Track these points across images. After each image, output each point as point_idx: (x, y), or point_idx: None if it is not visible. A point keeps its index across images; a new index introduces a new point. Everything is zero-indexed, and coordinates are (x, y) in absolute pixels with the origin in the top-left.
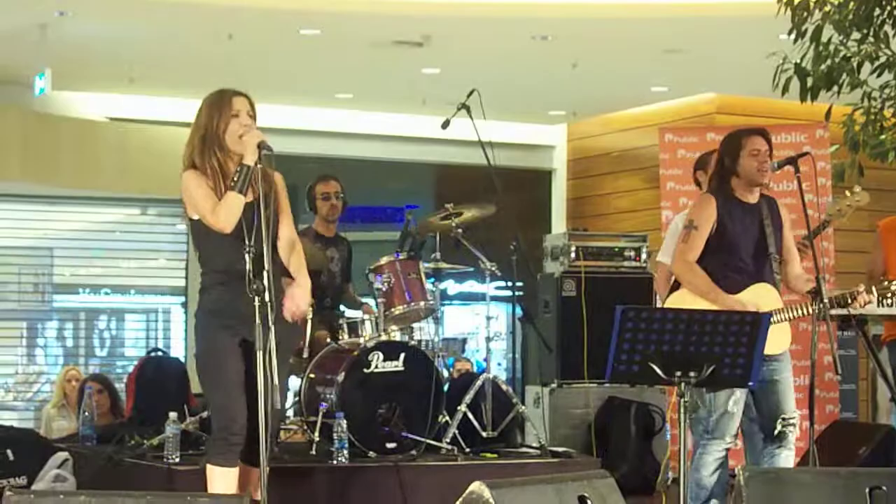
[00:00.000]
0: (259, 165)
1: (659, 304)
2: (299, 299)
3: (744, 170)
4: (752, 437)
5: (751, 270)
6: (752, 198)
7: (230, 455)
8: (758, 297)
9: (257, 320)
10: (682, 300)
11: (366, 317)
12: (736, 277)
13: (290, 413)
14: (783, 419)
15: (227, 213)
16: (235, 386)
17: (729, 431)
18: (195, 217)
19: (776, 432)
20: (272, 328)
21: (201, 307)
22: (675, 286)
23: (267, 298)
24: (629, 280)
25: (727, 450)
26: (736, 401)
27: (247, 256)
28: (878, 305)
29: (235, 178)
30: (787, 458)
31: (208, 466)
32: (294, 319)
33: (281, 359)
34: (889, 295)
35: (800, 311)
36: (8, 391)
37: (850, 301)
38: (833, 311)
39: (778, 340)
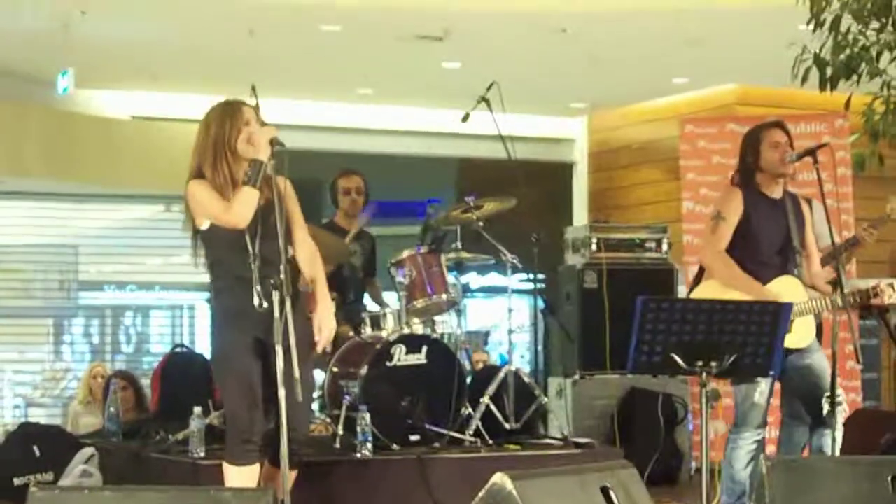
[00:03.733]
0: (272, 161)
1: None
2: (327, 327)
3: (766, 162)
4: (789, 427)
5: (775, 264)
6: (777, 192)
7: (245, 456)
8: (785, 289)
9: (275, 315)
10: (709, 292)
11: (388, 310)
12: (761, 270)
13: (314, 407)
14: (828, 397)
15: (241, 207)
16: (247, 388)
17: (755, 422)
18: (205, 226)
19: (825, 412)
20: (291, 323)
21: (215, 313)
22: (698, 279)
23: (285, 293)
24: (651, 271)
25: (758, 442)
26: (762, 392)
27: (251, 263)
28: None
29: (249, 174)
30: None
31: (224, 465)
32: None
33: (302, 354)
34: None
35: (824, 304)
36: (35, 388)
37: (871, 298)
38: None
39: (803, 334)
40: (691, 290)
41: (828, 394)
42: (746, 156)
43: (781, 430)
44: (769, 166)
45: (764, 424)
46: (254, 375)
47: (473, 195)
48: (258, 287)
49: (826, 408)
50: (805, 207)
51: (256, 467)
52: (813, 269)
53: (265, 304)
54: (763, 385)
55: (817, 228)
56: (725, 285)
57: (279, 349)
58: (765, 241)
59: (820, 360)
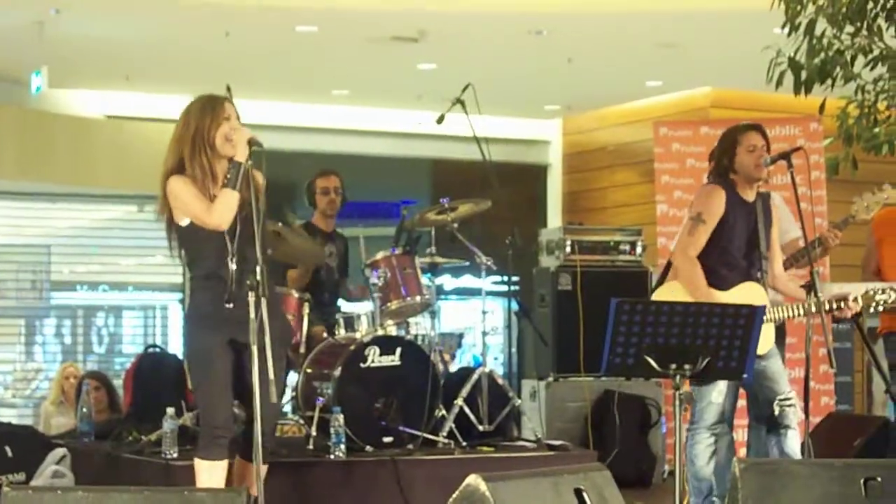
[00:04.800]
0: (250, 162)
1: None
2: None
3: (741, 166)
4: (756, 430)
5: (742, 267)
6: (751, 195)
7: (215, 450)
8: (745, 297)
9: (251, 316)
10: (669, 294)
11: (362, 312)
12: (727, 273)
13: (287, 408)
14: (779, 400)
15: (223, 210)
16: (221, 386)
17: (711, 420)
18: (184, 223)
19: (776, 414)
20: (266, 324)
21: (190, 309)
22: (662, 278)
23: (261, 293)
24: (625, 274)
25: (715, 436)
26: (720, 392)
27: (229, 261)
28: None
29: (229, 176)
30: (792, 437)
31: (195, 460)
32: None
33: (276, 355)
34: (873, 304)
35: (786, 313)
36: (6, 388)
37: (836, 309)
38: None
39: (762, 341)
40: (654, 288)
41: (780, 396)
42: (722, 157)
43: (749, 434)
44: (744, 170)
45: (722, 422)
46: (226, 373)
47: (447, 199)
48: (233, 287)
49: (777, 410)
50: (774, 209)
51: (226, 463)
52: (775, 271)
53: (231, 304)
54: (721, 385)
55: (782, 225)
56: (685, 288)
57: (254, 349)
58: (735, 243)
59: (774, 364)
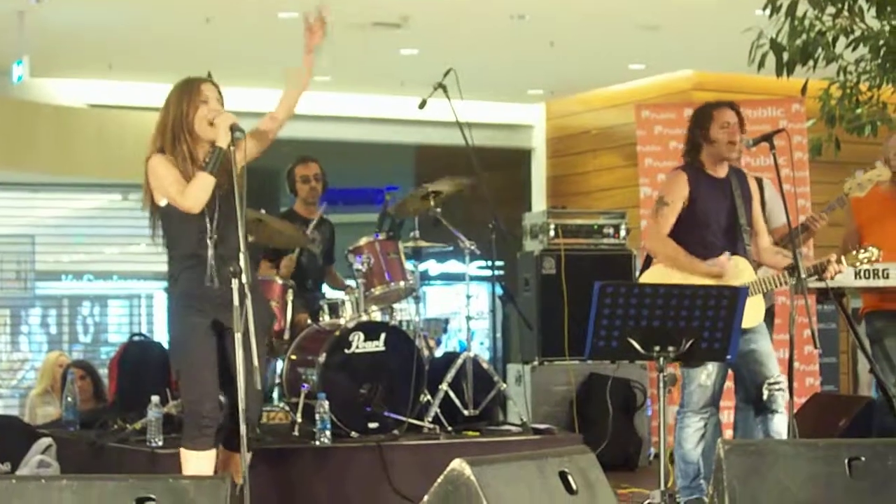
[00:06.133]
0: (232, 148)
1: None
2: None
3: (715, 143)
4: (744, 411)
5: (723, 244)
6: (721, 172)
7: (202, 439)
8: (733, 269)
9: (235, 302)
10: (656, 276)
11: (346, 297)
12: (708, 253)
13: (273, 395)
14: (768, 384)
15: (196, 193)
16: (205, 371)
17: (700, 403)
18: (163, 203)
19: (764, 398)
20: (250, 310)
21: (172, 294)
22: (647, 264)
23: (244, 280)
24: (609, 257)
25: (704, 420)
26: (709, 374)
27: (209, 243)
28: (855, 278)
29: (207, 160)
30: (779, 421)
31: (181, 450)
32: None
33: (257, 340)
34: (858, 264)
35: (773, 284)
36: None
37: (820, 272)
38: (809, 285)
39: (752, 314)
40: (639, 274)
41: (769, 380)
42: (695, 132)
43: (736, 415)
44: (716, 147)
45: (711, 404)
46: (211, 360)
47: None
48: (212, 263)
49: (766, 394)
50: (753, 184)
51: (214, 452)
52: (761, 244)
53: (216, 283)
54: (710, 367)
55: (769, 207)
56: (669, 267)
57: (238, 336)
58: (712, 220)
59: (765, 346)
